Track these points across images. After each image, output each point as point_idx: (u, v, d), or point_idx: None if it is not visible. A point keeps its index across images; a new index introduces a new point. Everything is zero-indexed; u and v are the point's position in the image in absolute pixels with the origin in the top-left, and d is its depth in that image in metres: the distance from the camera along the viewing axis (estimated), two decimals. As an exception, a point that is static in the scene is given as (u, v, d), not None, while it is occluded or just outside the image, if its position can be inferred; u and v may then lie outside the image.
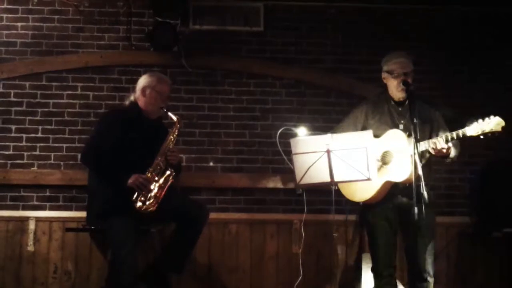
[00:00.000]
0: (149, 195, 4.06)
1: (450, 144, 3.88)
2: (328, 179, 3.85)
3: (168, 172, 4.15)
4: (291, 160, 3.94)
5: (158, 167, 4.16)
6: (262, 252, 5.31)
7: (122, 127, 4.19)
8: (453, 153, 3.96)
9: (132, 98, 4.39)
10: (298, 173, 3.90)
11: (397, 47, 4.59)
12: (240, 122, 5.51)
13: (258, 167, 5.46)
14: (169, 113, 4.29)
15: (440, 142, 3.83)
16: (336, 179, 3.86)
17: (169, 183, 4.13)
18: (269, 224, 5.33)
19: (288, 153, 4.04)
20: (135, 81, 4.51)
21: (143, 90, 4.33)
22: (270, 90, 5.55)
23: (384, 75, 4.19)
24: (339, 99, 5.49)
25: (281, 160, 4.64)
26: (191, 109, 5.47)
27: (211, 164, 5.42)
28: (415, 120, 3.69)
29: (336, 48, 5.59)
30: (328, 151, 3.81)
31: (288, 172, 4.74)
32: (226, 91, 5.52)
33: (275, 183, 5.42)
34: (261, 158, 5.47)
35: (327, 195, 3.94)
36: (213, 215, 4.61)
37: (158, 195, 4.08)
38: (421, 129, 3.88)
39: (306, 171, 3.85)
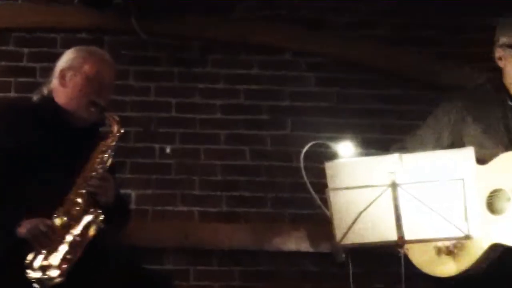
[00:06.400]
0: (54, 255, 2.96)
1: None
2: (393, 236, 2.92)
3: (89, 217, 3.07)
4: (326, 201, 3.02)
5: (75, 207, 3.10)
6: None
7: (23, 135, 3.12)
8: None
9: (45, 89, 3.37)
10: (339, 225, 3.00)
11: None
12: (235, 132, 4.25)
13: (267, 212, 4.19)
14: (106, 113, 3.24)
15: None
16: (407, 235, 2.93)
17: (91, 235, 3.04)
18: (287, 323, 4.31)
19: (321, 187, 3.02)
20: (49, 59, 3.72)
21: (63, 73, 3.34)
22: (287, 74, 4.25)
23: (500, 52, 3.27)
24: (408, 90, 4.25)
25: (308, 200, 3.47)
26: (148, 108, 4.24)
27: (182, 208, 4.14)
28: None
29: (399, 4, 4.36)
30: (393, 185, 2.89)
31: (320, 222, 3.61)
32: (209, 75, 4.27)
33: (297, 242, 4.14)
34: (272, 196, 4.18)
35: (391, 264, 2.95)
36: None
37: (69, 257, 2.96)
38: None
39: (354, 221, 2.97)
